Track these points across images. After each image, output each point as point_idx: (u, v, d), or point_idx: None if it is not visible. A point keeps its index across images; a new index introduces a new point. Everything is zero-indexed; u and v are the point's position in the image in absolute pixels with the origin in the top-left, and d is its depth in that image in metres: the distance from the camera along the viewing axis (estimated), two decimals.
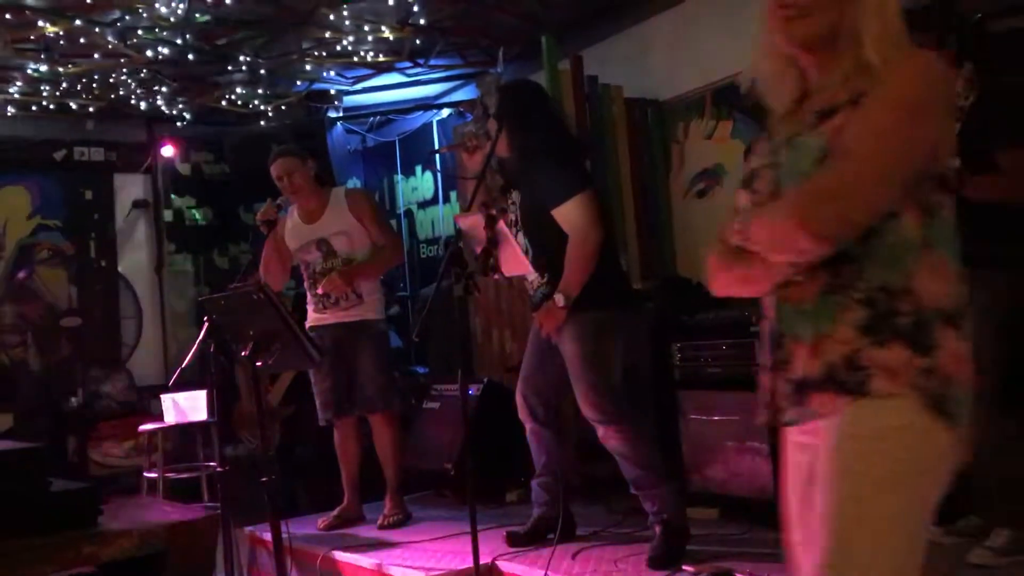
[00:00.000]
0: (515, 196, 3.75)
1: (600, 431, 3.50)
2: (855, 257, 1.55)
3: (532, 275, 3.65)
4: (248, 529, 4.53)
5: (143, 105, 6.79)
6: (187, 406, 5.65)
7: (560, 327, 3.49)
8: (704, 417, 4.10)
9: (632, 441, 3.47)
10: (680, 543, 3.41)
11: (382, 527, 4.41)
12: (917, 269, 1.54)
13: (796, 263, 1.59)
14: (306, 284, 4.60)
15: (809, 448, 1.63)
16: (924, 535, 1.56)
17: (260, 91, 6.72)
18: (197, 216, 7.75)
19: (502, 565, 3.57)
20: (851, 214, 1.52)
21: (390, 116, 7.81)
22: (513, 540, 3.76)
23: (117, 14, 5.18)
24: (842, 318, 1.55)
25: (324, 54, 6.12)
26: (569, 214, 3.46)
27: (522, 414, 3.78)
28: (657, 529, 3.44)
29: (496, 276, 3.61)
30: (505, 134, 3.59)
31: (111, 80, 6.21)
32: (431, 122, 7.51)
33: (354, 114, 7.70)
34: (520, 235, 3.67)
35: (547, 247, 3.57)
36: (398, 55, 6.24)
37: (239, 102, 6.84)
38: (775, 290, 1.64)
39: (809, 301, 1.58)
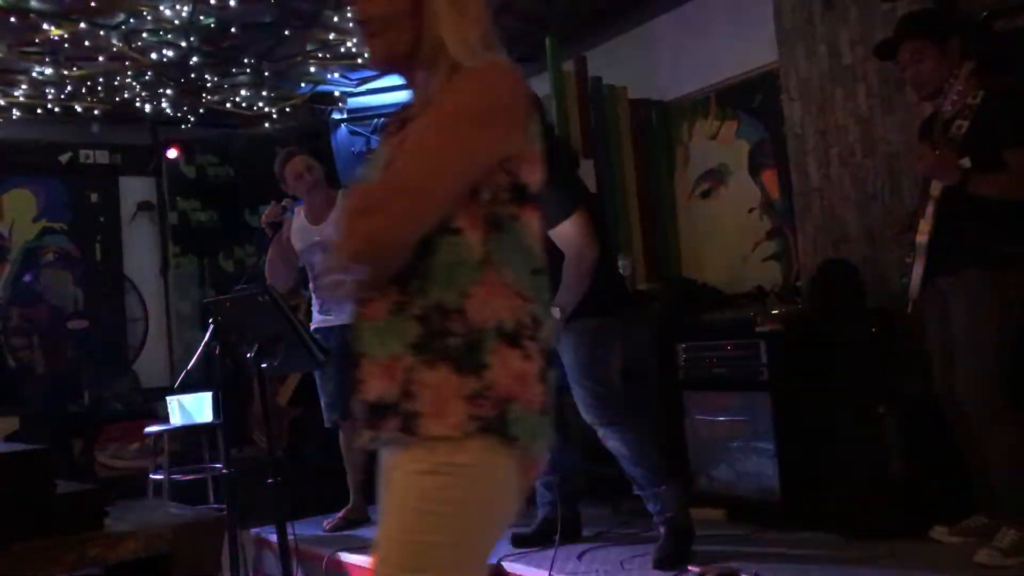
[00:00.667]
0: None
1: (600, 432, 3.53)
2: (420, 274, 1.49)
3: None
4: (254, 531, 4.53)
5: (148, 108, 6.80)
6: (193, 408, 5.65)
7: (558, 336, 3.51)
8: (709, 418, 4.10)
9: (631, 442, 3.48)
10: (686, 544, 3.41)
11: None
12: (473, 287, 1.48)
13: (368, 280, 1.53)
14: (311, 286, 4.60)
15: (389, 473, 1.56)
16: (484, 560, 1.53)
17: (264, 93, 6.72)
18: (202, 218, 7.75)
19: (508, 566, 3.57)
20: (379, 232, 1.46)
21: None
22: (518, 541, 3.76)
23: (122, 17, 5.18)
24: (405, 337, 1.48)
25: (328, 56, 6.12)
26: (564, 234, 3.48)
27: None
28: (662, 530, 3.44)
29: None
30: None
31: (116, 83, 6.22)
32: None
33: (358, 116, 7.70)
34: None
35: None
36: None
37: (243, 104, 6.85)
38: (355, 307, 1.57)
39: (381, 319, 1.52)
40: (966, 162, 3.01)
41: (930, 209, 3.13)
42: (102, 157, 7.51)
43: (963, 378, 3.09)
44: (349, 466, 4.62)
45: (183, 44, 5.63)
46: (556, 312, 3.45)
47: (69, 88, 6.23)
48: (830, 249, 4.38)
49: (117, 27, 5.27)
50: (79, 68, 5.88)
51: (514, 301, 1.50)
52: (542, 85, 5.61)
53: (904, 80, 3.56)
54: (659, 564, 3.32)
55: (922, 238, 3.16)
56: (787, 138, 4.67)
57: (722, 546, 3.54)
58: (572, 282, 3.46)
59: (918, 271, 3.19)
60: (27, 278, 7.24)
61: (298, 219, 4.56)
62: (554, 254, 3.49)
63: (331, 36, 5.79)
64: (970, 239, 3.06)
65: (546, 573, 3.36)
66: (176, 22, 5.27)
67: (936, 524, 3.33)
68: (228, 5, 5.10)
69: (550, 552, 3.51)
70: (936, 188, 3.12)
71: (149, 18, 5.20)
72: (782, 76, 4.66)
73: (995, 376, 3.04)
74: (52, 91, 6.28)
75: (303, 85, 6.80)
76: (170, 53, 5.71)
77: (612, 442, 3.51)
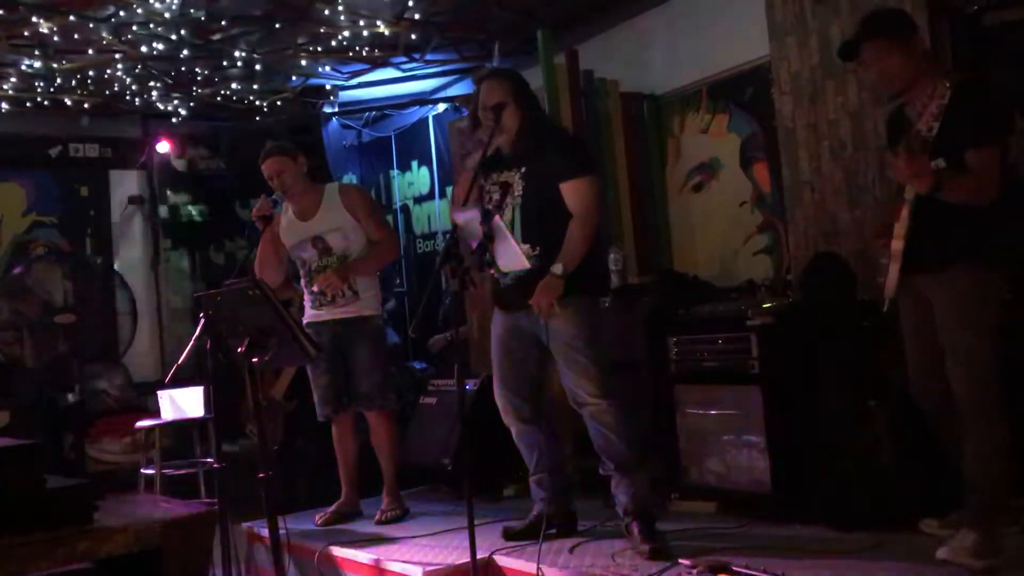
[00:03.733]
0: (514, 174, 3.66)
1: (596, 406, 3.53)
2: None
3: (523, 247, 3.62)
4: (246, 525, 4.53)
5: (138, 101, 6.78)
6: (184, 402, 5.64)
7: (555, 308, 3.46)
8: (701, 411, 4.10)
9: (625, 418, 3.54)
10: (654, 523, 3.52)
11: (380, 522, 4.41)
12: None
13: None
14: (303, 281, 4.59)
15: None
16: None
17: (255, 86, 6.70)
18: (193, 212, 7.73)
19: (499, 560, 3.58)
20: None
21: (386, 111, 7.79)
22: (509, 534, 3.77)
23: (111, 10, 5.16)
24: None
25: (319, 49, 6.11)
26: (579, 189, 3.52)
27: (507, 419, 3.77)
28: (635, 526, 3.48)
29: (492, 271, 3.61)
30: (517, 111, 3.60)
31: (106, 76, 6.20)
32: (427, 117, 7.49)
33: (350, 109, 7.69)
34: (517, 210, 3.62)
35: (542, 222, 3.56)
36: (394, 50, 6.22)
37: (234, 98, 6.83)
38: None
39: None
40: (940, 163, 2.96)
41: (904, 212, 3.09)
42: (92, 150, 7.49)
43: (958, 377, 3.04)
44: (341, 460, 4.62)
45: (173, 37, 5.60)
46: (558, 269, 3.46)
47: (59, 81, 6.20)
48: (821, 242, 4.39)
49: (107, 20, 5.25)
50: (69, 61, 5.85)
51: None
52: (534, 78, 5.59)
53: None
54: (656, 554, 3.33)
55: (897, 243, 3.11)
56: (778, 132, 4.67)
57: (713, 539, 3.54)
58: (578, 242, 3.49)
59: (894, 272, 3.14)
60: (17, 271, 7.22)
61: (286, 215, 4.54)
62: (557, 214, 3.52)
63: (322, 29, 5.77)
64: (953, 236, 3.02)
65: (538, 566, 3.36)
66: (166, 15, 5.25)
67: (925, 517, 3.34)
68: None
69: (543, 545, 3.50)
70: (910, 192, 3.07)
71: (139, 11, 5.18)
72: (773, 70, 4.66)
73: (991, 372, 3.01)
74: (41, 84, 6.26)
75: (294, 78, 6.79)
76: (160, 46, 5.69)
77: (608, 417, 3.53)
